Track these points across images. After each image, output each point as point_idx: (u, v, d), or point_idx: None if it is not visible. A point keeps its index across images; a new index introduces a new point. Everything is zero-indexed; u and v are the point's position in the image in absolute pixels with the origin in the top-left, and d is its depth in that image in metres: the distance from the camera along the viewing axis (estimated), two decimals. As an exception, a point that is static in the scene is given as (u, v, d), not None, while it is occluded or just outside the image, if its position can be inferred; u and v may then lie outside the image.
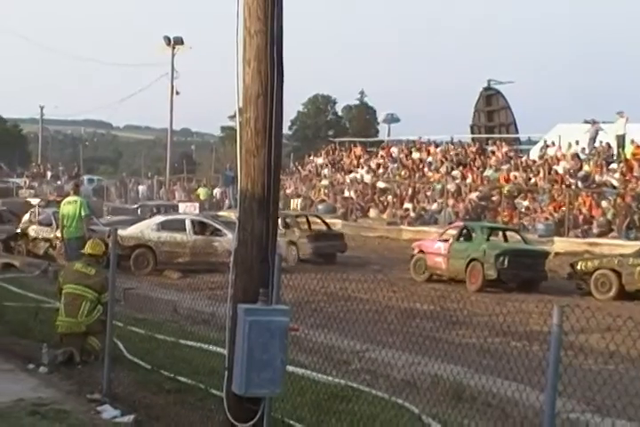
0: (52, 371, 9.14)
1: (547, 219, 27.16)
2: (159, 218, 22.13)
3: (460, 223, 22.51)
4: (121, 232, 20.27)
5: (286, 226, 23.89)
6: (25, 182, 48.78)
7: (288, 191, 38.78)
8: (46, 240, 21.29)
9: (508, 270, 18.50)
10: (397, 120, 54.90)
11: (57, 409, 7.59)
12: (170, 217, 22.44)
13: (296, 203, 37.35)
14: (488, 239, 20.10)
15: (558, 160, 31.77)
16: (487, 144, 39.10)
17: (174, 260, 20.32)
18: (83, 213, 17.29)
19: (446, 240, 20.48)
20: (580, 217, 26.52)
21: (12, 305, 12.59)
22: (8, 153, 74.90)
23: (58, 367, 9.23)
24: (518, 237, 21.42)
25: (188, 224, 20.93)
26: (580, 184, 28.73)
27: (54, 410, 7.56)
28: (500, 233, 21.72)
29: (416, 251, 20.89)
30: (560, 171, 30.46)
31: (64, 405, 7.81)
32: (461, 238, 20.21)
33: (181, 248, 20.38)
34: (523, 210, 29.00)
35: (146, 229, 20.80)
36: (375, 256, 25.05)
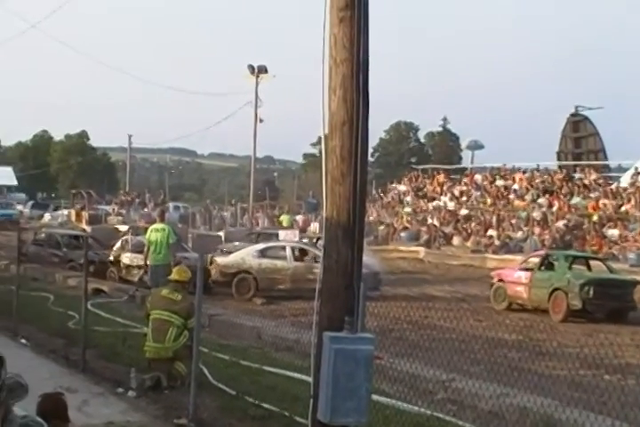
0: (140, 395, 9.27)
1: (639, 248, 26.40)
2: (260, 245, 22.50)
3: (542, 252, 22.10)
4: (222, 259, 20.74)
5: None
6: (113, 209, 49.96)
7: (371, 218, 38.76)
8: (140, 267, 21.73)
9: (594, 300, 18.04)
10: (481, 147, 54.39)
11: (145, 433, 7.69)
12: (270, 244, 22.78)
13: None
14: (570, 268, 19.68)
15: (650, 187, 30.96)
16: (575, 171, 38.36)
17: (275, 286, 20.56)
18: (170, 241, 17.50)
19: (527, 269, 20.19)
20: (675, 246, 25.72)
21: (101, 330, 12.85)
22: (97, 181, 77.23)
23: (146, 392, 9.35)
24: (603, 266, 20.87)
25: (288, 251, 21.17)
26: (673, 212, 27.91)
27: (142, 434, 7.67)
28: (584, 262, 21.22)
29: (495, 280, 20.73)
30: (653, 198, 29.67)
31: (152, 429, 7.91)
32: (543, 267, 19.88)
33: (282, 275, 20.59)
34: (613, 239, 28.28)
35: (247, 255, 21.16)
36: (459, 284, 24.73)
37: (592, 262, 21.15)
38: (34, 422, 2.48)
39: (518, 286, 19.74)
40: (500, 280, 20.49)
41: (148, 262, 17.61)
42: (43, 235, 27.93)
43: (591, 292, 18.07)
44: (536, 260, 20.68)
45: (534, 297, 19.29)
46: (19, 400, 2.10)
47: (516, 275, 20.18)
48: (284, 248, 21.51)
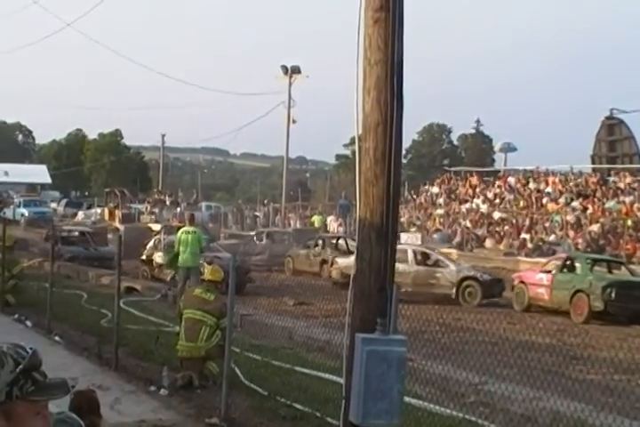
0: (172, 394, 9.32)
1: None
2: None
3: (564, 255, 22.05)
4: (343, 260, 20.87)
5: (322, 246, 26.41)
6: (146, 208, 50.22)
7: (402, 220, 38.62)
8: None
9: (616, 303, 18.05)
10: (514, 149, 54.05)
11: (177, 432, 7.74)
12: None
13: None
14: (591, 270, 19.67)
15: (686, 191, 30.54)
16: (609, 175, 37.95)
17: None
18: (201, 245, 17.86)
19: (548, 271, 20.20)
20: None
21: (134, 328, 12.94)
22: (130, 179, 77.75)
23: (177, 391, 9.40)
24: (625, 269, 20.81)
25: (409, 254, 21.02)
26: None
27: (174, 433, 7.71)
28: (606, 265, 21.18)
29: (516, 282, 20.82)
30: (688, 202, 29.27)
31: (183, 428, 7.95)
32: (565, 269, 19.87)
33: (403, 278, 20.27)
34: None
35: None
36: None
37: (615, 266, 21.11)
38: (70, 419, 2.49)
39: (539, 288, 19.87)
40: (522, 282, 20.59)
41: (179, 265, 17.73)
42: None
43: (613, 294, 18.08)
44: (558, 262, 20.73)
45: (555, 299, 19.36)
46: (54, 398, 2.10)
47: (537, 277, 20.32)
48: (405, 251, 21.17)
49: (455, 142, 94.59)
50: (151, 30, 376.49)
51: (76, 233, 30.18)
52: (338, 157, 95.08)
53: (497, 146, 56.43)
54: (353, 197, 6.39)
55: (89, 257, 26.28)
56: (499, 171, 49.13)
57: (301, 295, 19.02)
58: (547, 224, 32.73)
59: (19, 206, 51.45)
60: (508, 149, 53.61)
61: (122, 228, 35.37)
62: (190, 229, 18.12)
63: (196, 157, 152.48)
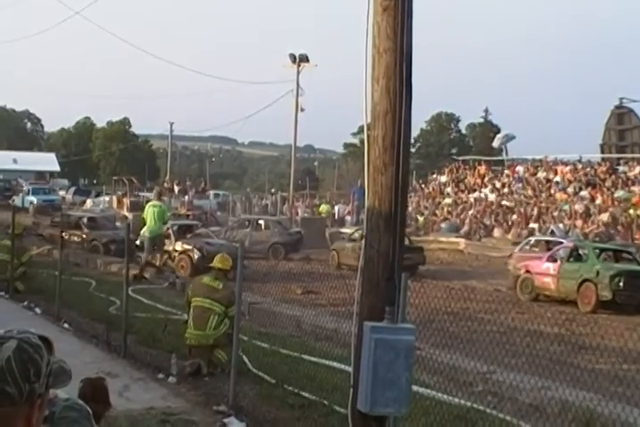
0: (181, 381, 9.36)
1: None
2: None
3: (570, 244, 21.96)
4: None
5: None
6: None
7: (410, 209, 38.53)
8: (165, 252, 21.97)
9: (624, 292, 18.00)
10: (513, 137, 53.06)
11: (185, 419, 7.77)
12: None
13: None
14: (599, 260, 19.62)
15: (696, 180, 30.38)
16: (618, 164, 37.78)
17: None
18: (165, 216, 20.38)
19: (554, 260, 20.08)
20: None
21: (142, 316, 12.97)
22: (139, 168, 77.83)
23: (186, 378, 9.44)
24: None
25: None
26: None
27: (183, 420, 7.74)
28: (613, 254, 21.15)
29: (522, 271, 20.68)
30: (698, 191, 29.12)
31: (192, 415, 7.98)
32: (571, 259, 19.79)
33: None
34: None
35: None
36: (500, 276, 24.52)
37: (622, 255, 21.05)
38: (77, 405, 2.49)
39: (546, 278, 19.78)
40: (527, 271, 20.50)
41: (147, 234, 19.97)
42: (57, 218, 30.24)
43: (621, 283, 18.03)
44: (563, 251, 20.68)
45: (562, 288, 19.31)
46: (63, 386, 2.11)
47: (543, 266, 20.18)
48: None
49: (463, 131, 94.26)
50: (159, 18, 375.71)
51: (92, 218, 30.22)
52: (346, 145, 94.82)
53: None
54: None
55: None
56: (507, 160, 48.87)
57: (309, 284, 19.04)
58: (555, 213, 32.62)
59: (27, 194, 51.46)
60: (508, 139, 52.55)
61: (130, 216, 35.41)
62: (157, 203, 20.71)
63: (204, 146, 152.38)
